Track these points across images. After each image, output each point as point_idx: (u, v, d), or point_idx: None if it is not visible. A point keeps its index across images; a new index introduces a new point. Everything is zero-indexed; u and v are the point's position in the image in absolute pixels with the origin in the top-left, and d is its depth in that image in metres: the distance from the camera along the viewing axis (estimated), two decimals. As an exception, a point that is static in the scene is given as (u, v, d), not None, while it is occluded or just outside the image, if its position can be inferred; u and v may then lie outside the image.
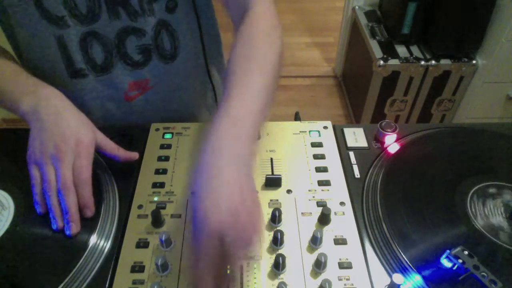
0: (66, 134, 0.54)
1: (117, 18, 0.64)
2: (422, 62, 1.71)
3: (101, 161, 0.62)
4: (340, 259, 0.52)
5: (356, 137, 0.69)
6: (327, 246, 0.53)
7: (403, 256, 0.50)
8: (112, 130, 0.68)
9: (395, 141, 0.67)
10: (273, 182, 0.60)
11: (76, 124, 0.56)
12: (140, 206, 0.57)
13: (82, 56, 0.66)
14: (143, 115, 0.75)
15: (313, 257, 0.52)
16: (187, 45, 0.72)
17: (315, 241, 0.52)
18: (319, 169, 0.63)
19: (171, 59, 0.72)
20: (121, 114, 0.74)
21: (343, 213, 0.57)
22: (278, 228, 0.54)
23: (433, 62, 1.72)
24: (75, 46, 0.65)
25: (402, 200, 0.57)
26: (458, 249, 0.49)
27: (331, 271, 0.50)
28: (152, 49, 0.69)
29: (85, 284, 0.49)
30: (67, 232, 0.52)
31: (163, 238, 0.51)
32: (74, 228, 0.52)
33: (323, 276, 0.50)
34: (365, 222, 0.56)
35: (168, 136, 0.68)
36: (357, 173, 0.63)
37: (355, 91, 2.17)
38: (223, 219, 0.39)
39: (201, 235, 0.38)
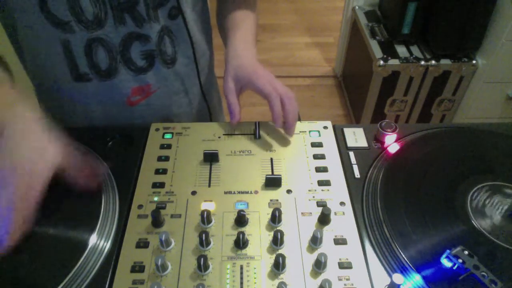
0: (18, 169, 0.49)
1: (123, 24, 0.64)
2: (422, 62, 1.72)
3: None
4: (340, 259, 0.52)
5: (356, 137, 0.69)
6: (327, 246, 0.53)
7: (403, 256, 0.50)
8: (112, 130, 0.68)
9: (395, 141, 0.67)
10: (273, 182, 0.60)
11: (31, 157, 0.50)
12: (140, 206, 0.57)
13: (86, 61, 0.66)
14: (144, 119, 0.76)
15: (313, 257, 0.52)
16: (185, 50, 0.73)
17: (315, 241, 0.52)
18: (319, 169, 0.63)
19: (172, 63, 0.73)
20: (123, 118, 0.75)
21: (343, 213, 0.57)
22: (278, 228, 0.54)
23: (433, 62, 1.72)
24: (80, 51, 0.65)
25: (402, 200, 0.57)
26: (458, 249, 0.49)
27: (331, 271, 0.50)
28: (156, 54, 0.70)
29: (85, 284, 0.49)
30: None
31: (163, 238, 0.51)
32: None
33: (323, 276, 0.50)
34: (365, 222, 0.56)
35: (168, 136, 0.68)
36: (357, 173, 0.63)
37: (355, 91, 2.17)
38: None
39: None
